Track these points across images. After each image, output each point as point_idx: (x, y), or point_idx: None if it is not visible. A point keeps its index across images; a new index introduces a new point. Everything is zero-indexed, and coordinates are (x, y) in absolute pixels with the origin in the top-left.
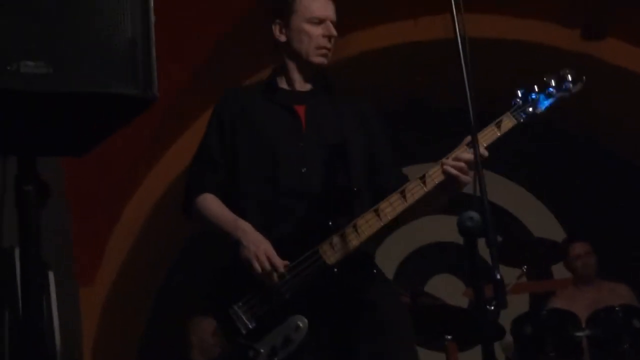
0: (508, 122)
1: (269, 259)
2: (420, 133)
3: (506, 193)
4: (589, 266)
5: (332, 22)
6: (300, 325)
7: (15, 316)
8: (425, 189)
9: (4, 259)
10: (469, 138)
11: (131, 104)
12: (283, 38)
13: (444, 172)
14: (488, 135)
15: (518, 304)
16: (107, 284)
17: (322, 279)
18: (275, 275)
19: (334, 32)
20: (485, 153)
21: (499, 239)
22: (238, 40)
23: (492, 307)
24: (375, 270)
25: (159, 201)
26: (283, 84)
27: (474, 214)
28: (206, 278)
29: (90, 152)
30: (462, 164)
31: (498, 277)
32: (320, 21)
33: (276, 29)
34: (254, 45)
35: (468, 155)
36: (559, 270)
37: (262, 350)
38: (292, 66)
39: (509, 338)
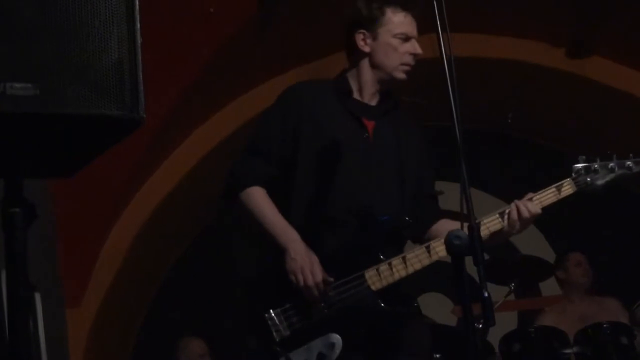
0: (569, 188)
1: (314, 275)
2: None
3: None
4: (587, 275)
5: (416, 40)
6: (335, 344)
7: (1, 338)
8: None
9: None
10: (529, 194)
11: (118, 126)
12: (367, 49)
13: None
14: (549, 197)
15: (506, 322)
16: (94, 305)
17: (364, 303)
18: (316, 292)
19: (420, 51)
20: (539, 212)
21: (486, 257)
22: (227, 62)
23: (481, 325)
24: (416, 304)
25: (146, 223)
26: (355, 93)
27: (461, 233)
28: (244, 277)
29: (77, 174)
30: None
31: (486, 294)
32: (407, 38)
33: (359, 38)
34: (243, 66)
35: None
36: (547, 288)
37: None
38: (369, 77)
39: None
